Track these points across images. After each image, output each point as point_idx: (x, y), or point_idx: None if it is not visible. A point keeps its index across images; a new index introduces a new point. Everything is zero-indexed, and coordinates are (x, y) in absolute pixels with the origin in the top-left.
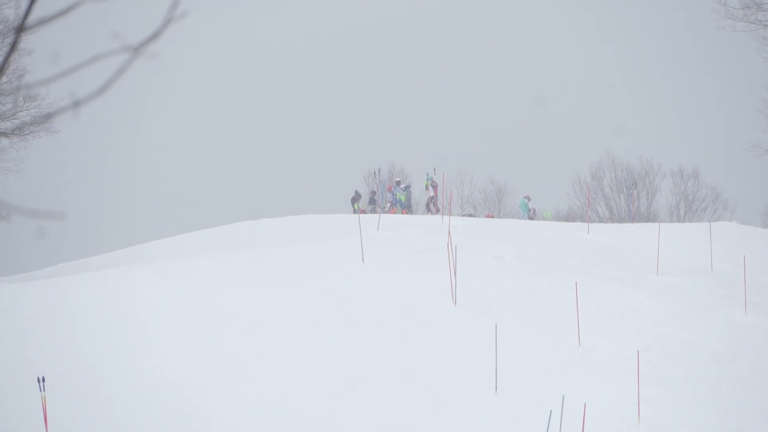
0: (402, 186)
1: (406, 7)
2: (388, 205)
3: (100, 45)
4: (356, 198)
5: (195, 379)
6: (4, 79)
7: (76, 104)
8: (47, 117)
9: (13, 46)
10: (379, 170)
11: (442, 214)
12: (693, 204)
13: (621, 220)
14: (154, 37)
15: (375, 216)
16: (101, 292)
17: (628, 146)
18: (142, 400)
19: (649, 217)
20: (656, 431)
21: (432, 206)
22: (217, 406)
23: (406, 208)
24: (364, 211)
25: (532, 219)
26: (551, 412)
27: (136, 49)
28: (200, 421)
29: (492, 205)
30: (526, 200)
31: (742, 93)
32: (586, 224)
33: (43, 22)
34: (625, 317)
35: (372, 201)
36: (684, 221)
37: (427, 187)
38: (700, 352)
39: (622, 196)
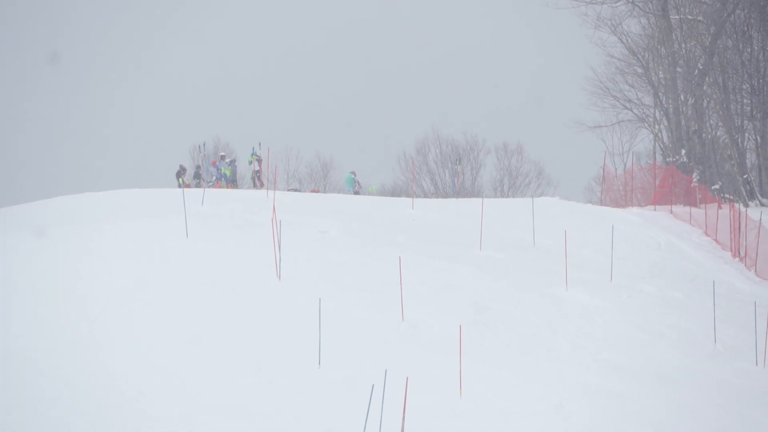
0: (227, 160)
1: None
2: (213, 179)
3: None
4: (181, 172)
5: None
6: None
7: None
8: None
9: None
10: (204, 144)
11: (267, 188)
12: (517, 179)
13: (446, 195)
14: None
15: (199, 190)
16: None
17: (453, 122)
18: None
19: (474, 192)
20: (477, 405)
21: (257, 180)
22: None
23: (232, 182)
24: (188, 186)
25: (358, 194)
26: (373, 386)
27: None
28: None
29: (318, 180)
30: (353, 175)
31: (565, 69)
32: (411, 199)
33: None
34: (448, 292)
35: (197, 175)
36: (508, 196)
37: (251, 162)
38: (522, 327)
39: (447, 172)
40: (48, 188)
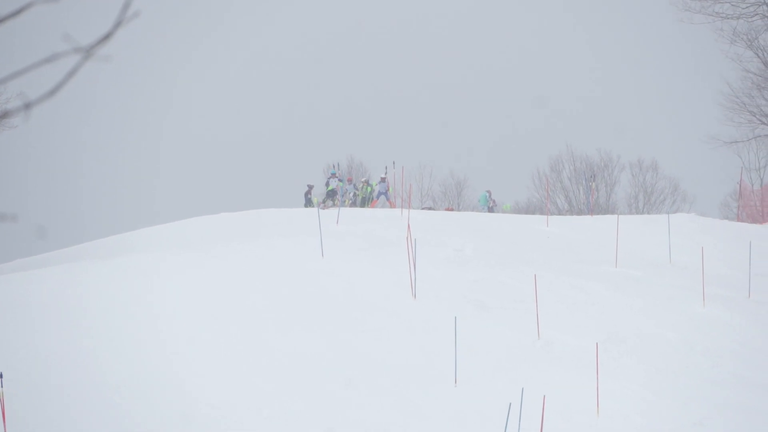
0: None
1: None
2: (350, 196)
3: (52, 46)
4: (309, 191)
5: (142, 381)
6: None
7: (27, 105)
8: (2, 115)
9: None
10: (338, 164)
11: (401, 207)
12: (652, 196)
13: (580, 213)
14: (105, 38)
15: (335, 210)
16: (59, 288)
17: (586, 138)
18: (99, 396)
19: (608, 209)
20: (615, 423)
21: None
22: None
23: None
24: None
25: (492, 211)
26: (510, 404)
27: (88, 51)
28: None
29: (451, 198)
30: (488, 194)
31: (700, 85)
32: (546, 217)
33: None
34: (584, 309)
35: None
36: (643, 213)
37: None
38: (659, 344)
39: (581, 188)
40: (185, 208)
